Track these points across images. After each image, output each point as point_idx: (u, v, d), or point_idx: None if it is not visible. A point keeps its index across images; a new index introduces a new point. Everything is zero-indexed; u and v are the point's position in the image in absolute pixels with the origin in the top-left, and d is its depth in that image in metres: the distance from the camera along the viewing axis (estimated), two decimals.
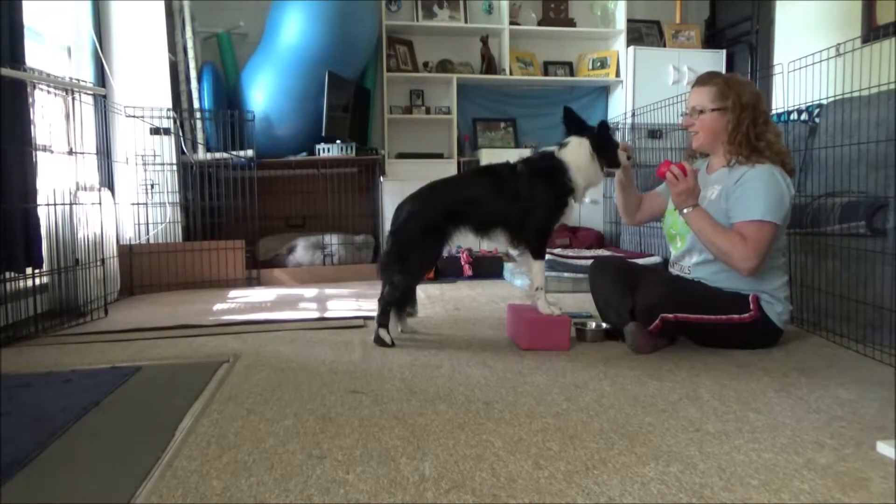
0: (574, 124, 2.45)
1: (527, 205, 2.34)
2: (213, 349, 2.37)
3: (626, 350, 2.26)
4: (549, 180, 2.35)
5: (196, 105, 4.31)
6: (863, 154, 2.58)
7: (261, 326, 2.76)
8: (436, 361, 2.16)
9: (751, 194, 2.14)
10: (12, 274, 2.60)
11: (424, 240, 2.37)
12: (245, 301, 3.47)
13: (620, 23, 5.40)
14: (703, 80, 2.32)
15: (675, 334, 2.32)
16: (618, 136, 4.94)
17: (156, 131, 4.01)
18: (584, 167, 2.36)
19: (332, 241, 4.41)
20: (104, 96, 3.63)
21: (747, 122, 2.20)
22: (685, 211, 2.20)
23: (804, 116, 3.47)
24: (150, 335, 2.60)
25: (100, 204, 3.14)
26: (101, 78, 3.89)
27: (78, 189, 2.98)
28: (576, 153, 2.37)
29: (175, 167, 4.09)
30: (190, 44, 4.29)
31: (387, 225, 2.54)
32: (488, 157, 4.99)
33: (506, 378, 1.95)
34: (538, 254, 2.38)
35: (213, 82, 4.36)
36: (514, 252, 2.49)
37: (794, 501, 1.17)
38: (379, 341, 2.38)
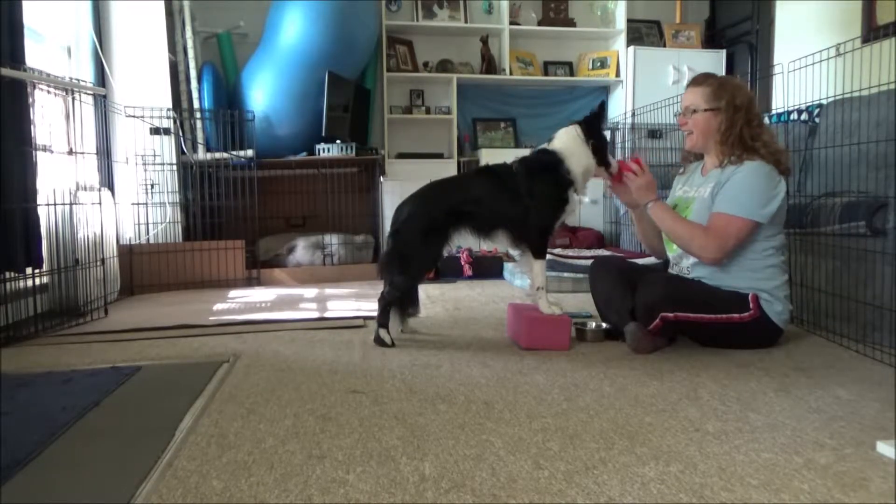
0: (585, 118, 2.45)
1: (527, 202, 2.33)
2: (213, 349, 2.37)
3: (626, 350, 2.26)
4: (546, 174, 2.35)
5: (196, 105, 4.31)
6: (863, 154, 2.58)
7: (261, 326, 2.76)
8: (436, 361, 2.16)
9: (731, 189, 2.17)
10: (12, 274, 2.60)
11: (425, 240, 2.37)
12: (245, 301, 3.47)
13: (620, 23, 5.40)
14: (699, 80, 2.33)
15: (675, 334, 2.32)
16: (617, 137, 4.95)
17: (156, 131, 4.01)
18: (576, 152, 2.35)
19: (332, 241, 4.41)
20: (104, 96, 3.62)
21: (741, 124, 2.22)
22: (648, 205, 2.27)
23: (804, 116, 3.48)
24: (150, 335, 2.60)
25: (100, 204, 3.14)
26: (101, 78, 3.89)
27: (78, 189, 2.98)
28: (564, 140, 2.38)
29: (175, 167, 4.09)
30: (190, 44, 4.29)
31: (387, 225, 2.54)
32: (488, 157, 4.98)
33: (506, 378, 1.95)
34: (539, 253, 2.38)
35: (213, 82, 4.36)
36: (514, 252, 2.48)
37: (794, 501, 1.17)
38: (379, 341, 2.37)
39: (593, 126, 2.41)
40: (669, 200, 2.55)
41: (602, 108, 2.50)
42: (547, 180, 2.34)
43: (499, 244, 2.48)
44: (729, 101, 2.22)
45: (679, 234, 2.23)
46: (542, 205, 2.34)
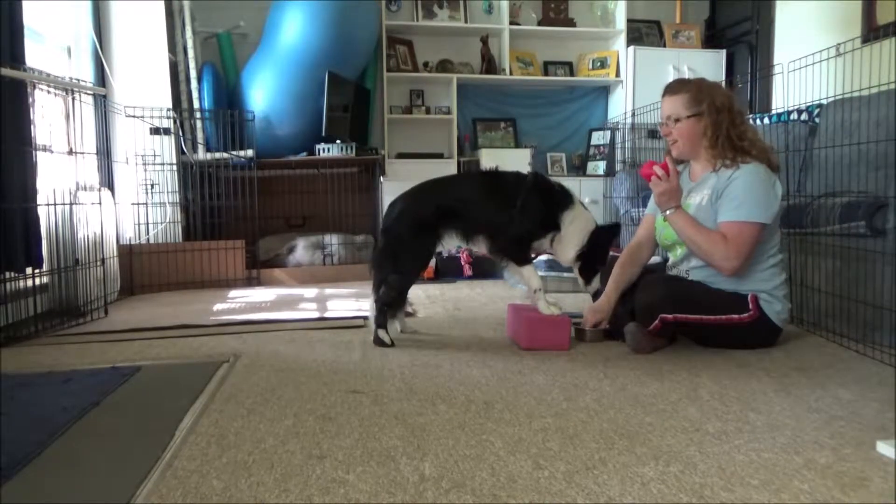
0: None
1: (516, 210, 2.32)
2: (213, 349, 2.37)
3: (626, 350, 2.26)
4: (548, 199, 2.35)
5: (196, 105, 4.31)
6: (863, 154, 2.58)
7: (261, 326, 2.75)
8: (436, 361, 2.15)
9: (736, 195, 2.15)
10: (12, 274, 2.60)
11: (417, 238, 2.37)
12: (245, 301, 3.47)
13: (620, 23, 5.39)
14: (674, 88, 2.30)
15: (674, 334, 2.32)
16: (618, 137, 4.95)
17: (156, 131, 4.01)
18: (578, 226, 2.36)
19: (332, 241, 4.41)
20: (104, 96, 3.62)
21: (726, 124, 2.20)
22: (668, 212, 2.21)
23: (804, 116, 3.48)
24: (150, 335, 2.60)
25: (100, 204, 3.14)
26: (101, 78, 3.89)
27: (78, 189, 2.98)
28: (584, 214, 2.39)
29: (175, 167, 4.09)
30: (190, 44, 4.29)
31: None
32: (488, 157, 5.00)
33: (506, 378, 1.95)
34: (520, 261, 2.38)
35: (213, 82, 4.36)
36: (494, 259, 2.47)
37: (794, 501, 1.17)
38: (378, 342, 2.37)
39: (602, 246, 2.41)
40: (651, 208, 2.54)
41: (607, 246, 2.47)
42: (546, 205, 2.35)
43: (479, 249, 2.46)
44: (710, 104, 2.20)
45: (700, 244, 2.17)
46: (529, 215, 2.33)
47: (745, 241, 2.12)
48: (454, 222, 2.37)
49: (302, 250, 4.38)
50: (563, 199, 2.39)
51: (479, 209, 2.37)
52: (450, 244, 2.45)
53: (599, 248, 2.40)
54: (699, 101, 2.22)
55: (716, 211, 2.20)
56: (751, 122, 2.45)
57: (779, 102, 3.26)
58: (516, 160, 4.89)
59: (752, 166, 2.17)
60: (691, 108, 2.23)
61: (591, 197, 4.92)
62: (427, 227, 2.36)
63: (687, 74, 5.14)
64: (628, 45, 5.30)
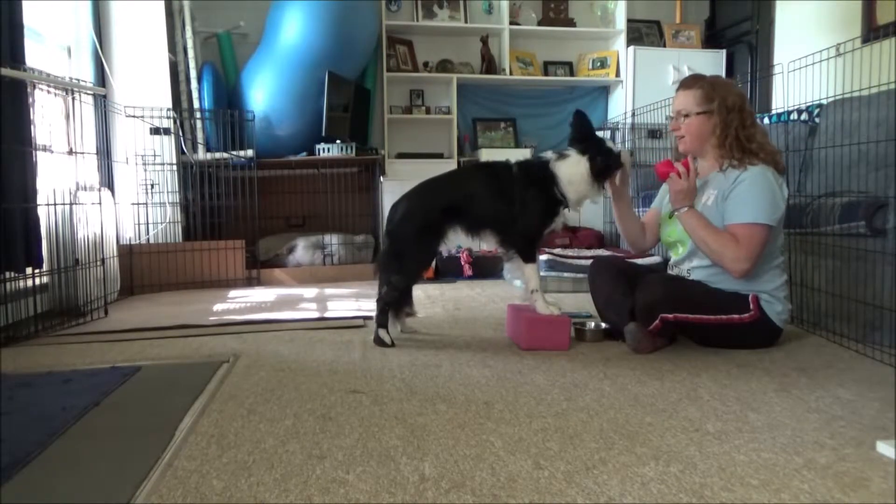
0: (581, 134, 2.38)
1: (517, 209, 2.32)
2: (213, 349, 2.37)
3: (626, 350, 2.26)
4: (540, 189, 2.34)
5: (196, 105, 4.31)
6: (863, 154, 2.58)
7: (261, 326, 2.75)
8: (436, 361, 2.15)
9: (744, 197, 2.15)
10: (12, 274, 2.60)
11: (420, 239, 2.37)
12: (245, 301, 3.47)
13: (620, 23, 5.40)
14: (688, 83, 2.30)
15: (674, 334, 2.32)
16: (617, 137, 4.95)
17: (156, 131, 4.01)
18: (576, 182, 2.32)
19: (332, 241, 4.41)
20: (104, 96, 3.63)
21: (735, 125, 2.20)
22: (681, 211, 2.21)
23: (804, 116, 3.48)
24: (150, 335, 2.60)
25: (100, 204, 3.14)
26: (101, 78, 3.89)
27: (78, 189, 2.98)
28: (570, 170, 2.33)
29: (175, 167, 4.09)
30: (190, 44, 4.29)
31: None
32: (488, 157, 4.99)
33: (506, 378, 1.95)
34: (528, 258, 2.38)
35: (213, 82, 4.36)
36: (502, 252, 2.47)
37: (794, 501, 1.17)
38: (378, 341, 2.38)
39: (599, 151, 2.33)
40: (657, 203, 2.55)
41: (585, 123, 2.40)
42: (541, 193, 2.33)
43: (487, 243, 2.47)
44: (721, 103, 2.20)
45: (711, 245, 2.16)
46: (530, 215, 2.33)
47: (755, 243, 2.11)
48: (457, 219, 2.38)
49: (302, 250, 4.38)
50: (547, 177, 2.33)
51: (481, 204, 2.37)
52: (454, 241, 2.45)
53: (601, 159, 2.32)
54: (711, 99, 2.22)
55: (721, 212, 2.19)
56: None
57: (779, 102, 3.26)
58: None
59: (759, 168, 2.17)
60: (702, 104, 2.23)
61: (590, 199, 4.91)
62: (431, 227, 2.36)
63: (687, 74, 5.14)
64: (628, 45, 5.30)
